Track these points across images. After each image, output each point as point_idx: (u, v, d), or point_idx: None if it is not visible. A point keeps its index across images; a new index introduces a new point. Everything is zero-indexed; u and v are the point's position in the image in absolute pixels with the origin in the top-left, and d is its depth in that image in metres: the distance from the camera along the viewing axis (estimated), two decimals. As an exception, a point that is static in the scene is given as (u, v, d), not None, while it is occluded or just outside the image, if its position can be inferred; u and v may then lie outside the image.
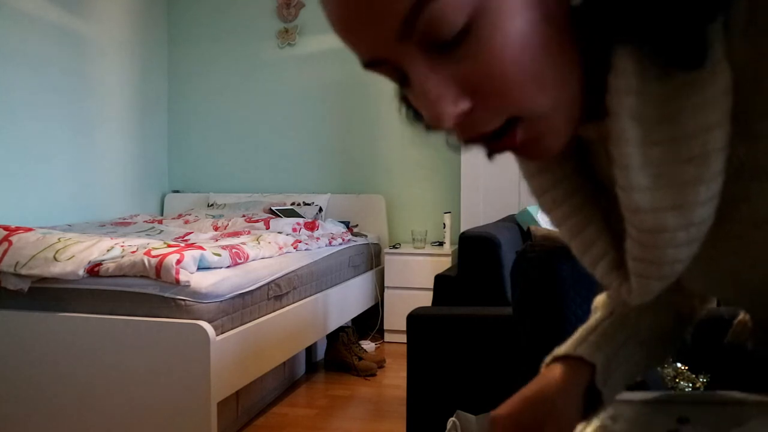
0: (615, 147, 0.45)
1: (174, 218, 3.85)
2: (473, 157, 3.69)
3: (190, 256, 2.12)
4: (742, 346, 0.73)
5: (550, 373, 0.61)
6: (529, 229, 1.68)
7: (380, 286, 3.88)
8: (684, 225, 0.45)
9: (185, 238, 2.99)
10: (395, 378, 3.08)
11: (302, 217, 3.74)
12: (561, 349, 0.63)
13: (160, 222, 3.65)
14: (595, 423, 0.63)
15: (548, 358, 0.64)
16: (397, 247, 3.85)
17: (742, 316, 0.75)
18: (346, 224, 3.87)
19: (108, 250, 2.18)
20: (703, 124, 0.42)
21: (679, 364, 0.86)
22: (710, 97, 0.41)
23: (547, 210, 0.55)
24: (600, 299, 0.71)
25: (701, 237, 0.46)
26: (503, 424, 0.58)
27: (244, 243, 2.64)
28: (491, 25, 0.39)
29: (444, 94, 0.42)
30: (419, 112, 0.46)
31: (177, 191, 4.61)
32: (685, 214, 0.44)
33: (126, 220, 3.67)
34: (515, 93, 0.41)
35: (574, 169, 0.54)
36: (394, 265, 3.74)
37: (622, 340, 0.64)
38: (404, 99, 0.51)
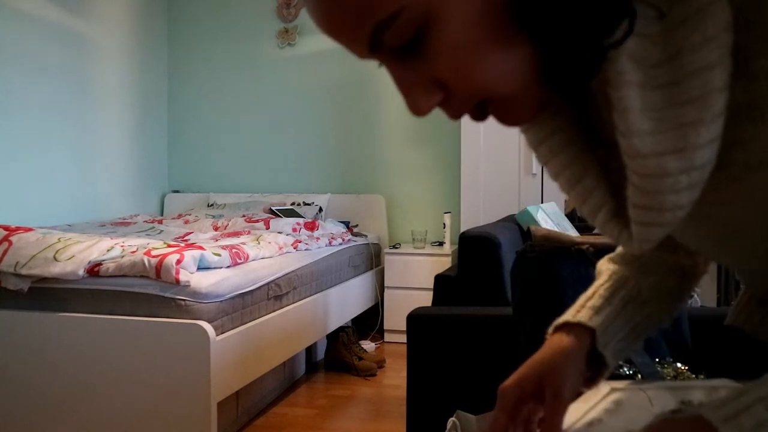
0: (614, 91, 0.44)
1: (174, 218, 3.85)
2: (473, 157, 3.69)
3: (190, 256, 2.12)
4: (741, 329, 0.73)
5: (553, 340, 0.63)
6: (529, 229, 1.68)
7: (380, 286, 3.88)
8: (685, 169, 0.44)
9: (185, 238, 2.99)
10: (395, 378, 3.08)
11: (302, 217, 3.74)
12: (562, 318, 0.65)
13: (160, 222, 3.65)
14: (600, 407, 0.64)
15: (551, 328, 0.65)
16: (397, 247, 3.85)
17: (742, 295, 0.75)
18: (346, 224, 3.87)
19: (108, 250, 2.18)
20: (704, 63, 0.41)
21: (679, 364, 0.85)
22: (711, 35, 0.41)
23: (544, 161, 0.55)
24: (602, 263, 0.72)
25: (702, 181, 0.45)
26: (509, 395, 0.60)
27: (244, 243, 2.64)
28: (437, 31, 0.43)
29: (416, 89, 0.46)
30: None
31: (177, 191, 4.61)
32: (686, 157, 0.43)
33: (126, 220, 3.67)
34: (474, 82, 0.45)
35: (569, 121, 0.54)
36: (394, 265, 3.74)
37: (621, 302, 0.66)
38: None
